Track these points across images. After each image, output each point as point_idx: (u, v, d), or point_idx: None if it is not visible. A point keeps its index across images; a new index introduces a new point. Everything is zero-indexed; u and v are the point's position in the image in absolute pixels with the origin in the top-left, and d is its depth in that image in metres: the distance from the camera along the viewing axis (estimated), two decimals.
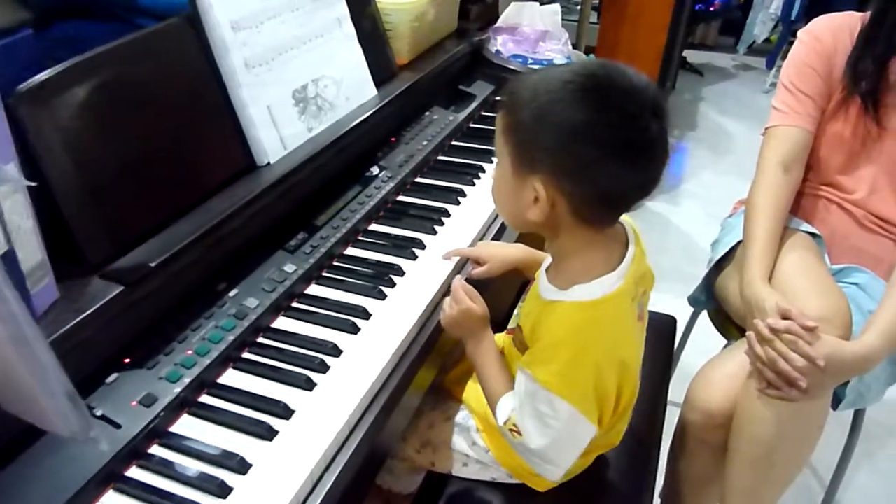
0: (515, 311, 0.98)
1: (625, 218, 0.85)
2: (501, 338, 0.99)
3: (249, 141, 1.02)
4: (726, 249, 1.32)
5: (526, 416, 0.83)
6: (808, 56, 1.25)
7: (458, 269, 1.06)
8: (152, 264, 0.80)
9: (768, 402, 1.05)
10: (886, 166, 1.23)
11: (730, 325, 1.38)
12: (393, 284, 1.00)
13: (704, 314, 1.51)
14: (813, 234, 1.26)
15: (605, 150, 0.71)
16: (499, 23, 1.84)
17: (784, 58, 1.43)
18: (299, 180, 1.05)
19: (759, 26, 3.68)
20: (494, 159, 0.83)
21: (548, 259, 0.89)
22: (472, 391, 1.02)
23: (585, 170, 0.72)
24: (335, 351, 0.87)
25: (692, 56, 4.14)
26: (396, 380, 0.86)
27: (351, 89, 1.21)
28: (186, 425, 0.77)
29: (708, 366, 1.21)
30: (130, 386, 0.77)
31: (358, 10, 1.24)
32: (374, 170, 1.21)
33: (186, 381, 0.79)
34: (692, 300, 1.46)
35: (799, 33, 1.30)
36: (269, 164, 1.03)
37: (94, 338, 0.76)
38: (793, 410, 1.04)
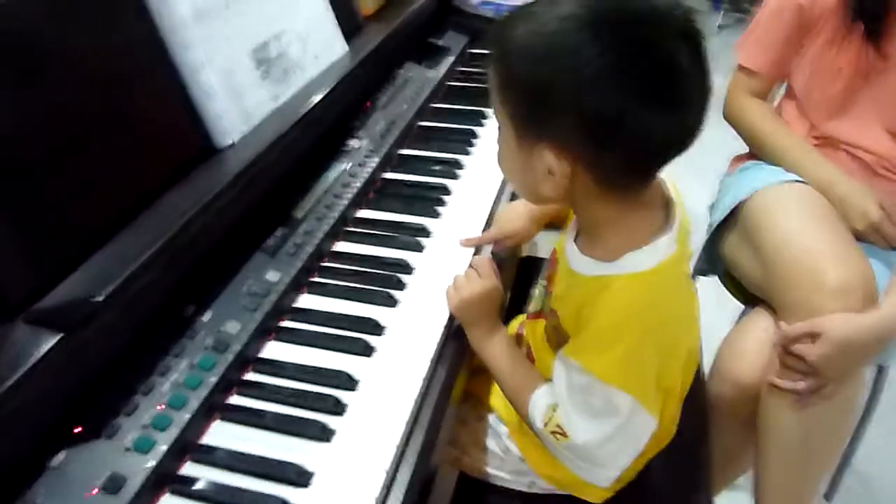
0: (536, 292, 0.83)
1: None
2: (518, 324, 0.86)
3: (204, 117, 0.79)
4: (727, 212, 1.17)
5: (573, 412, 0.69)
6: None
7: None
8: (98, 298, 0.58)
9: (793, 406, 0.93)
10: (890, 102, 1.09)
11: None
12: (403, 286, 0.81)
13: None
14: None
15: (629, 96, 0.56)
16: None
17: None
18: (271, 163, 0.83)
19: None
20: (485, 122, 0.64)
21: (572, 228, 0.73)
22: (498, 395, 0.87)
23: (607, 127, 0.57)
24: (349, 383, 0.68)
25: None
26: (430, 408, 0.69)
27: (318, 46, 0.99)
28: None
29: (735, 334, 1.09)
30: (86, 466, 0.57)
31: None
32: (353, 143, 1.01)
33: (163, 448, 0.59)
34: (697, 271, 1.33)
35: None
36: (232, 145, 0.81)
37: (25, 406, 0.54)
38: (819, 408, 0.92)
